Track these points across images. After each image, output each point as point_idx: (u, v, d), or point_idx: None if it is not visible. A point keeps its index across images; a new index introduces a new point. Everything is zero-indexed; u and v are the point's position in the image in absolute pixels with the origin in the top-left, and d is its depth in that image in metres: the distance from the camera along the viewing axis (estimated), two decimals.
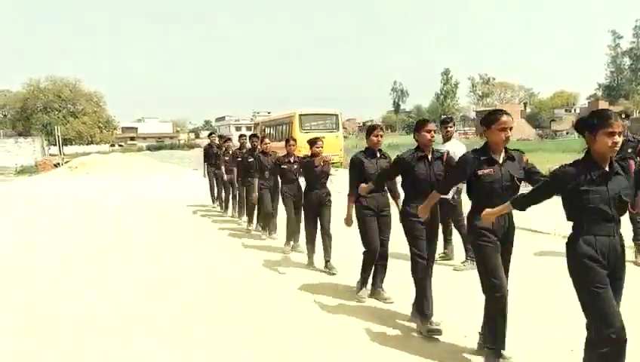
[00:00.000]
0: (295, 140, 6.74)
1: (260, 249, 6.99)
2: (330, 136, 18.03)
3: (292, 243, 6.69)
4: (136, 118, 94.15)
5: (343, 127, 26.40)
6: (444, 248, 5.97)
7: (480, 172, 3.15)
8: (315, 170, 5.70)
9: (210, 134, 12.43)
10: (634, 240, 5.70)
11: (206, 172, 11.24)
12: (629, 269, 4.89)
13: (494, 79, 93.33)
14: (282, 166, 6.58)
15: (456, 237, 5.78)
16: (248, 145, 8.57)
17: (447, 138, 5.95)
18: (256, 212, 8.13)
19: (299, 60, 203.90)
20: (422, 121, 4.04)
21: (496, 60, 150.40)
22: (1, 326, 4.26)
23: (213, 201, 11.26)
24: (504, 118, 3.15)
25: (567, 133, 62.61)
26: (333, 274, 5.48)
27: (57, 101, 56.60)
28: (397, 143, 35.29)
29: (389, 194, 4.66)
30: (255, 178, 7.29)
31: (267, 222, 7.72)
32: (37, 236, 8.46)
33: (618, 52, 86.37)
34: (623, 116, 5.77)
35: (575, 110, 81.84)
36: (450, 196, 5.59)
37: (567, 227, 2.76)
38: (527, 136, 61.19)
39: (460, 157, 3.41)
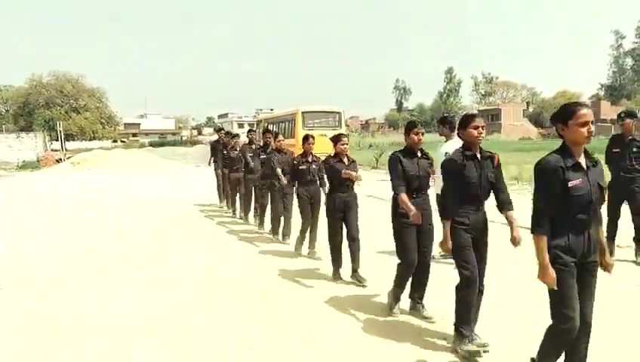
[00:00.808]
0: (314, 138, 6.30)
1: (271, 254, 6.68)
2: (333, 133, 18.03)
3: (307, 249, 6.36)
4: (138, 114, 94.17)
5: (346, 125, 26.33)
6: None
7: (571, 184, 2.56)
8: (340, 172, 5.16)
9: (218, 130, 11.93)
10: (634, 239, 5.68)
11: (213, 168, 10.94)
12: (630, 269, 4.85)
13: (497, 78, 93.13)
14: (301, 166, 6.22)
15: None
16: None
17: (447, 137, 5.88)
18: (255, 212, 8.12)
19: (302, 58, 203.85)
20: (468, 117, 3.47)
21: (499, 59, 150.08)
22: (0, 327, 4.26)
23: (220, 200, 10.98)
24: (583, 110, 2.60)
25: None
26: (364, 286, 5.00)
27: (60, 96, 56.58)
28: (400, 142, 35.22)
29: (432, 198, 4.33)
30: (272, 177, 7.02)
31: (277, 225, 7.30)
32: (37, 235, 8.44)
33: (621, 52, 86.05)
34: (623, 115, 5.74)
35: None
36: None
37: None
38: (530, 135, 61.01)
39: (540, 165, 2.66)
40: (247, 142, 8.97)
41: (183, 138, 72.19)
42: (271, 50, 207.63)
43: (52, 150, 37.09)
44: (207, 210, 10.84)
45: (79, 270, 6.03)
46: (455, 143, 5.76)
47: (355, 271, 5.18)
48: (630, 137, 5.64)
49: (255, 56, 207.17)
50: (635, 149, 5.55)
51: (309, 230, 6.25)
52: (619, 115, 5.91)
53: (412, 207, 3.84)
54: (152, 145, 52.54)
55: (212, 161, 11.06)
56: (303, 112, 19.80)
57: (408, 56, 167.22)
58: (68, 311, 4.55)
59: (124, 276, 5.71)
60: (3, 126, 53.68)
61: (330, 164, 5.22)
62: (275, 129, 23.28)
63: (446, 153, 5.65)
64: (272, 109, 63.63)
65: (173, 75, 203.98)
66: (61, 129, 35.51)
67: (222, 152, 10.15)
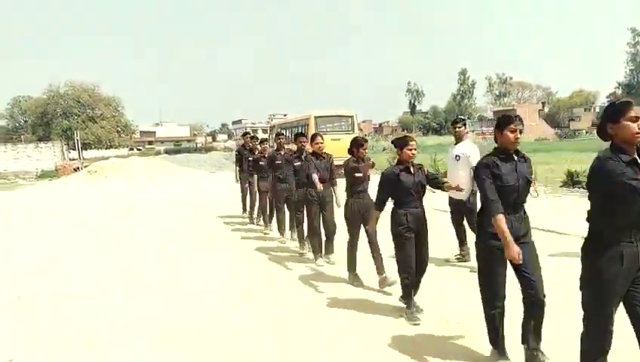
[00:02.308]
0: (322, 137, 6.29)
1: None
2: (346, 138, 17.99)
3: (322, 254, 6.19)
4: (153, 122, 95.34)
5: (359, 129, 26.30)
6: (461, 249, 5.92)
7: (635, 183, 2.37)
8: (359, 175, 5.09)
9: (244, 134, 10.62)
10: None
11: (238, 177, 10.04)
12: None
13: (511, 78, 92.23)
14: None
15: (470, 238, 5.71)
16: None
17: (458, 139, 5.83)
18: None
19: (314, 62, 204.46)
20: (506, 118, 3.22)
21: (514, 59, 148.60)
22: (12, 337, 4.32)
23: (244, 210, 10.13)
24: (632, 107, 2.52)
25: (586, 133, 61.54)
26: (392, 283, 4.82)
27: (77, 106, 57.52)
28: None
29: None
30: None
31: (317, 244, 6.24)
32: (63, 244, 8.55)
33: (638, 50, 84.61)
34: None
35: (594, 109, 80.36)
36: (465, 198, 5.52)
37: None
38: (546, 136, 60.29)
39: (599, 167, 2.47)
40: (275, 147, 8.37)
41: (198, 145, 72.78)
42: (283, 54, 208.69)
43: (70, 159, 37.71)
44: (239, 223, 10.04)
45: (88, 284, 5.91)
46: (467, 144, 5.73)
47: (385, 277, 5.01)
48: None
49: (268, 61, 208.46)
50: None
51: (322, 235, 6.18)
52: None
53: None
54: (167, 152, 53.10)
55: (239, 171, 9.96)
56: (315, 117, 19.84)
57: (421, 59, 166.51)
58: (69, 324, 4.52)
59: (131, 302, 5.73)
60: (22, 136, 54.74)
61: (350, 167, 5.15)
62: (288, 134, 23.41)
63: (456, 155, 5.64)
64: (285, 115, 63.87)
65: (188, 82, 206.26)
66: (78, 138, 36.11)
67: (247, 159, 9.34)
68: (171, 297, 5.16)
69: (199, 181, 21.90)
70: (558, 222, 7.48)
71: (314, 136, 6.26)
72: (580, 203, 6.38)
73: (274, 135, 25.11)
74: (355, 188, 5.13)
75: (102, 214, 12.04)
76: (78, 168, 30.12)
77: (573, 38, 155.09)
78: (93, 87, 59.64)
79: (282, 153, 7.60)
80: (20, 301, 5.26)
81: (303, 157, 6.33)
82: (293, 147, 7.06)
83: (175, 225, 9.98)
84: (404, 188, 4.16)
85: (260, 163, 8.29)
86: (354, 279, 5.28)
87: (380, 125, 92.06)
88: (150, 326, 4.31)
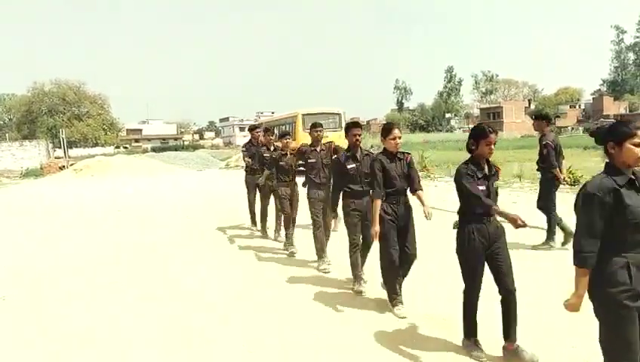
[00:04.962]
0: (322, 126, 6.12)
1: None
2: (334, 135, 18.02)
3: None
4: (140, 119, 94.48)
5: None
6: None
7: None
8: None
9: (252, 128, 8.81)
10: None
11: (245, 181, 8.66)
12: None
13: (497, 76, 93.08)
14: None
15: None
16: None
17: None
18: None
19: (302, 60, 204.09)
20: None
21: (500, 57, 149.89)
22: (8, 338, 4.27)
23: (253, 222, 8.61)
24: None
25: (572, 129, 62.32)
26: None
27: (62, 104, 56.91)
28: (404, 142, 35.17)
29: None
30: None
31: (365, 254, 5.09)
32: (50, 242, 8.43)
33: (622, 47, 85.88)
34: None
35: (579, 106, 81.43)
36: None
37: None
38: (532, 133, 60.91)
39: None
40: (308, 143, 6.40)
41: (185, 143, 72.31)
42: (270, 52, 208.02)
43: (55, 157, 37.22)
44: (224, 217, 9.90)
45: (74, 284, 5.82)
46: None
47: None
48: None
49: (255, 59, 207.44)
50: None
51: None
52: None
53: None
54: (154, 150, 52.67)
55: (246, 174, 8.61)
56: (303, 115, 19.82)
57: (409, 56, 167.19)
58: (62, 327, 4.45)
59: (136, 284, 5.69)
60: (6, 134, 53.98)
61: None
62: (276, 132, 23.35)
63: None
64: (272, 112, 63.71)
65: (174, 80, 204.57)
66: (64, 136, 35.62)
67: (261, 156, 7.82)
68: (171, 297, 5.11)
69: (187, 178, 21.76)
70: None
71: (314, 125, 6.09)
72: (565, 199, 6.45)
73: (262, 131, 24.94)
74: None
75: (89, 212, 11.89)
76: (63, 166, 29.70)
77: (559, 35, 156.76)
78: (79, 85, 59.07)
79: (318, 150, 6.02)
80: (3, 301, 5.19)
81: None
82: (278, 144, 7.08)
83: (167, 223, 9.88)
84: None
85: (281, 163, 6.73)
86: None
87: (368, 122, 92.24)
88: (150, 327, 4.27)
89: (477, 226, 3.31)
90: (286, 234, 6.87)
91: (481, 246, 3.30)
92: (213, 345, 3.85)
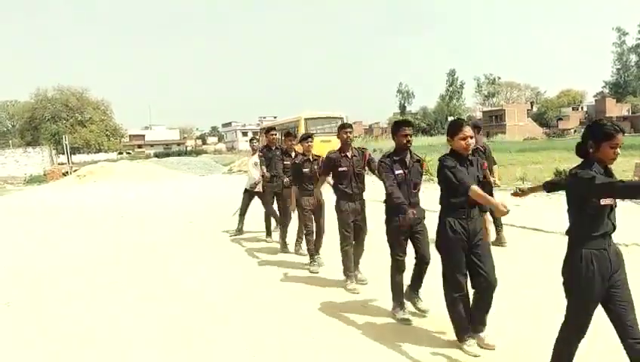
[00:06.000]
0: (312, 137, 6.14)
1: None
2: (336, 139, 18.09)
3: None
4: (143, 125, 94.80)
5: None
6: None
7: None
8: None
9: (267, 131, 7.99)
10: None
11: (261, 187, 7.83)
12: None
13: (500, 79, 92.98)
14: (304, 169, 5.94)
15: None
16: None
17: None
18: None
19: (304, 63, 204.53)
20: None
21: (502, 60, 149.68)
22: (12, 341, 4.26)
23: (268, 234, 7.96)
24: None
25: (574, 132, 62.15)
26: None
27: (65, 110, 57.14)
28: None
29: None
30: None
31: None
32: (51, 247, 8.43)
33: (624, 49, 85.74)
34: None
35: (582, 108, 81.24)
36: None
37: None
38: (535, 135, 60.81)
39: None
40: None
41: (188, 148, 72.47)
42: (272, 56, 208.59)
43: (58, 163, 37.35)
44: (226, 220, 9.64)
45: (75, 285, 5.86)
46: None
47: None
48: None
49: (258, 64, 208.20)
50: None
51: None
52: None
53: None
54: (157, 156, 52.77)
55: (266, 184, 7.58)
56: (305, 118, 19.85)
57: (411, 60, 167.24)
58: (63, 328, 4.46)
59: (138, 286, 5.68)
60: (10, 141, 54.19)
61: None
62: (279, 136, 23.37)
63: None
64: (275, 117, 63.87)
65: (177, 85, 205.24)
66: (67, 142, 35.79)
67: (280, 162, 7.13)
68: (171, 297, 5.11)
69: (190, 184, 21.78)
70: (545, 220, 7.57)
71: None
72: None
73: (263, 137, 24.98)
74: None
75: (93, 217, 11.90)
76: (67, 173, 29.82)
77: (561, 38, 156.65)
78: (82, 91, 59.30)
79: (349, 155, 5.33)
80: (7, 307, 5.17)
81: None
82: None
83: (170, 226, 9.88)
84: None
85: (304, 170, 6.01)
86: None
87: (370, 126, 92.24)
88: (150, 327, 4.28)
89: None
90: (309, 252, 6.07)
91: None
92: (213, 345, 3.84)
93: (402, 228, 4.00)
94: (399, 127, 4.19)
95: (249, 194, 8.38)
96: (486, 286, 3.43)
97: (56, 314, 4.75)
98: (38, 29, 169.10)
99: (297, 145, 6.74)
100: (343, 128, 5.17)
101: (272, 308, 4.66)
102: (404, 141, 4.12)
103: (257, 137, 14.95)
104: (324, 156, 5.43)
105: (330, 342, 3.81)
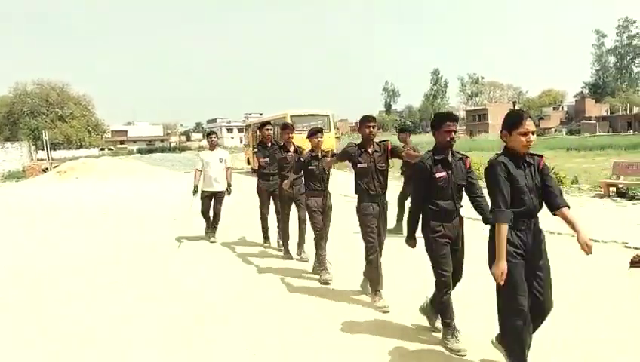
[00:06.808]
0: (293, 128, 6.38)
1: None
2: (322, 137, 18.12)
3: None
4: (126, 121, 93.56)
5: (336, 128, 26.49)
6: None
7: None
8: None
9: (262, 125, 7.25)
10: None
11: (258, 188, 7.12)
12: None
13: (483, 78, 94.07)
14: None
15: None
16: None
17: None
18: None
19: (290, 61, 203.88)
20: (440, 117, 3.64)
21: (485, 60, 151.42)
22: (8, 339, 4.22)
23: (265, 238, 7.32)
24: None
25: (555, 131, 63.18)
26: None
27: (45, 105, 56.07)
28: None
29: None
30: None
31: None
32: (41, 245, 8.29)
33: (603, 51, 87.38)
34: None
35: (563, 108, 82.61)
36: None
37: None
38: None
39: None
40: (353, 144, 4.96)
41: (172, 144, 71.76)
42: (258, 53, 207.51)
43: (38, 159, 36.66)
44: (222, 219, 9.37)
45: (72, 284, 5.80)
46: None
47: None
48: None
49: (243, 60, 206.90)
50: None
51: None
52: None
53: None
54: (139, 152, 52.22)
55: (262, 182, 7.05)
56: (291, 116, 19.83)
57: (396, 58, 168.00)
58: (62, 328, 4.41)
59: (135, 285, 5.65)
60: None
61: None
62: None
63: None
64: (261, 113, 63.64)
65: (161, 81, 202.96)
66: (47, 138, 35.14)
67: (282, 159, 6.44)
68: (171, 297, 5.08)
69: (176, 181, 21.54)
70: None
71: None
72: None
73: (249, 134, 24.96)
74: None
75: (79, 215, 11.73)
76: (46, 169, 29.26)
77: (542, 39, 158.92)
78: (62, 86, 58.25)
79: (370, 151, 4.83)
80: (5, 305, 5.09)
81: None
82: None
83: (162, 225, 9.74)
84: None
85: (311, 168, 5.50)
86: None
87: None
88: (150, 327, 4.25)
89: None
90: (317, 256, 5.55)
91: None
92: (213, 345, 3.83)
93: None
94: (442, 121, 3.50)
95: (208, 198, 7.81)
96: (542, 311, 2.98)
97: (56, 314, 4.69)
98: (16, 21, 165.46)
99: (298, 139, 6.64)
100: (366, 121, 4.52)
101: (272, 308, 4.65)
102: (448, 138, 3.49)
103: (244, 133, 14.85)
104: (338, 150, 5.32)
105: (331, 342, 3.82)
